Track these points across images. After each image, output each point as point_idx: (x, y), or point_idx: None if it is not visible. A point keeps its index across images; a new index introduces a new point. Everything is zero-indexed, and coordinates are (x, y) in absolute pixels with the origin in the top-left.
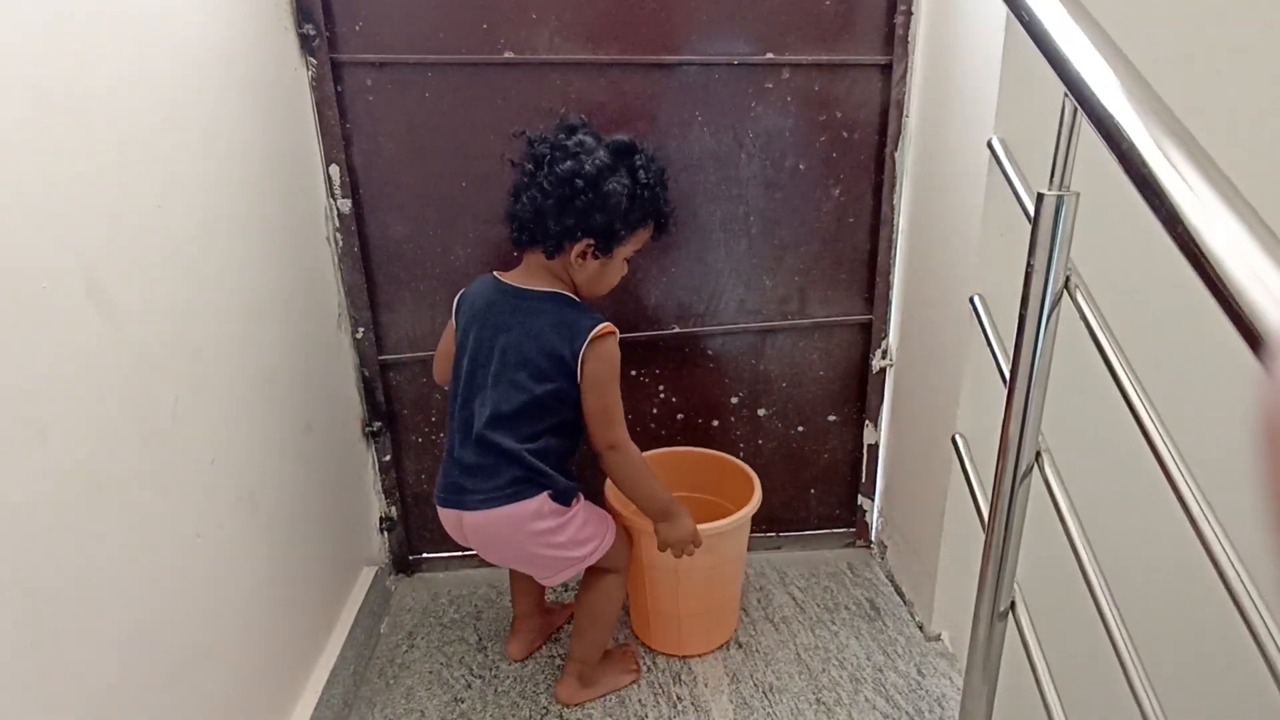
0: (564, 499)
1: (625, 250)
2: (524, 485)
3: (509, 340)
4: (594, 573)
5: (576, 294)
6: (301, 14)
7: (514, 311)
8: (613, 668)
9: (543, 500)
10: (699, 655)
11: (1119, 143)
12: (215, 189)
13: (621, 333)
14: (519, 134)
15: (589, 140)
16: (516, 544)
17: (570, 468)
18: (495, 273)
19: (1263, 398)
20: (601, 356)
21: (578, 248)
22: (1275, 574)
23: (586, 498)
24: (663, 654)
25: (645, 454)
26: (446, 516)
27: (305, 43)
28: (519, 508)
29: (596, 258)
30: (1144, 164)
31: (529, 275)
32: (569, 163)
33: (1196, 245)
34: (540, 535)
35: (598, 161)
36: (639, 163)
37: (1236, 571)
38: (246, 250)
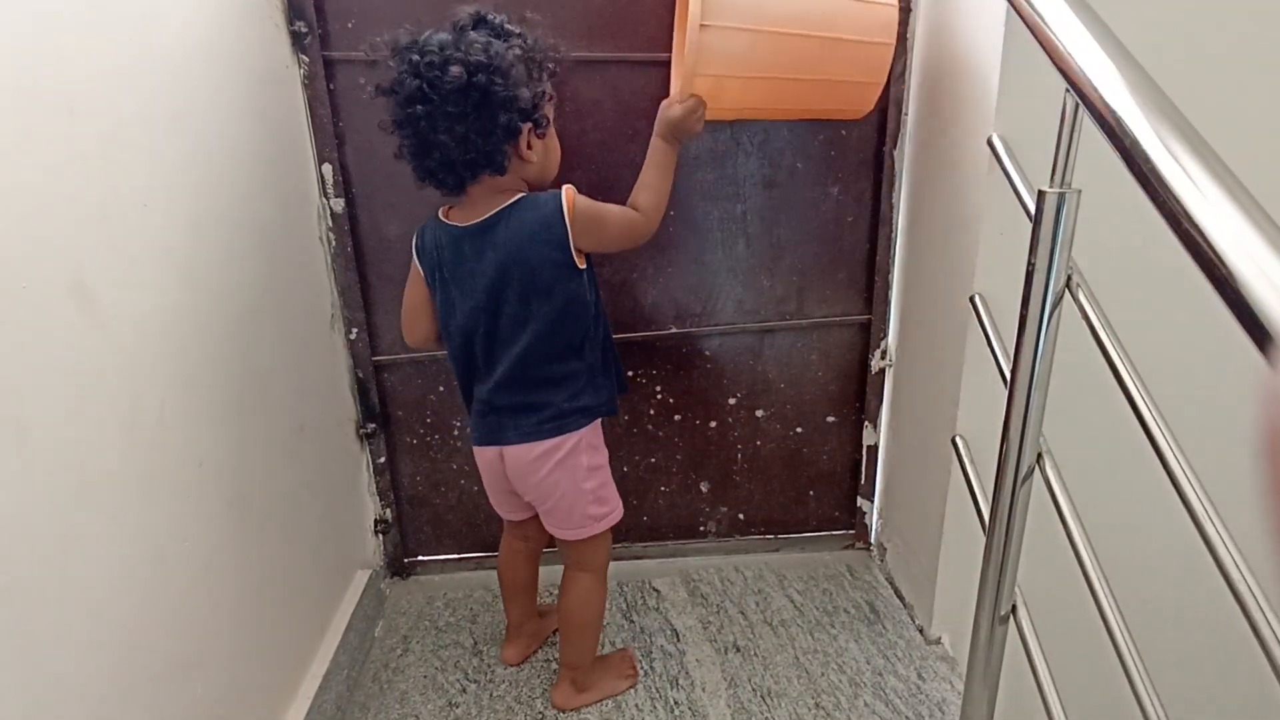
0: (611, 409)
1: (552, 112)
2: (568, 418)
3: (496, 279)
4: (571, 574)
5: (531, 186)
6: (293, 11)
7: (485, 248)
8: (609, 673)
9: (583, 434)
10: None
11: (1122, 139)
12: (204, 188)
13: (618, 334)
14: (374, 93)
15: (442, 36)
16: (551, 480)
17: (605, 373)
18: (443, 217)
19: (1265, 395)
20: (580, 216)
21: (523, 139)
22: (1279, 574)
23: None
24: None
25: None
26: (485, 454)
27: (297, 40)
28: (560, 441)
29: (541, 137)
30: (1147, 160)
31: (483, 203)
32: (453, 67)
33: (1202, 243)
34: (577, 471)
35: (474, 43)
36: (498, 20)
37: (1242, 574)
38: (237, 250)
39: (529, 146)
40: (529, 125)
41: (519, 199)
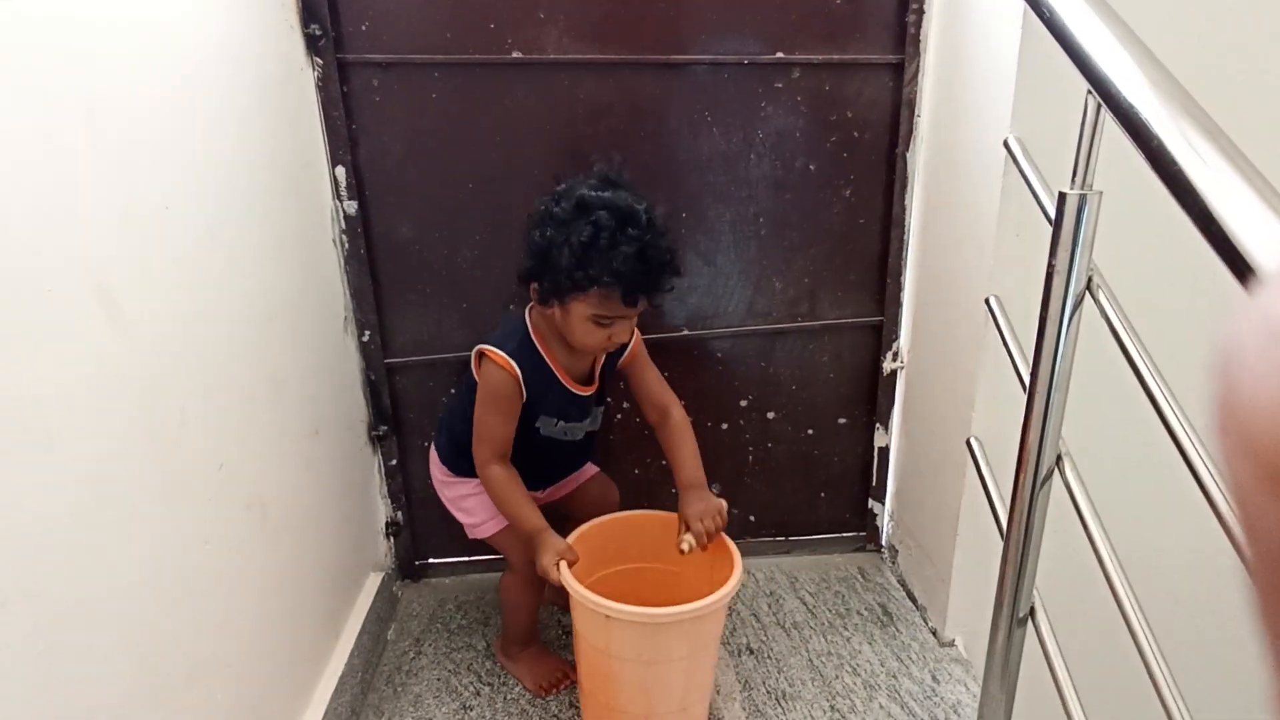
0: (450, 465)
1: (580, 308)
2: (437, 435)
3: None
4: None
5: (547, 333)
6: (307, 13)
7: None
8: (527, 669)
9: (434, 451)
10: None
11: (1148, 140)
12: (221, 191)
13: None
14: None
15: (575, 185)
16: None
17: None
18: None
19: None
20: (480, 375)
21: (533, 285)
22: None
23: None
24: None
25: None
26: None
27: (311, 43)
28: (432, 450)
29: (544, 301)
30: (1174, 162)
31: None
32: (542, 205)
33: (1233, 246)
34: (438, 482)
35: (557, 208)
36: (603, 222)
37: None
38: (253, 253)
39: (539, 299)
40: (535, 284)
41: (518, 320)
